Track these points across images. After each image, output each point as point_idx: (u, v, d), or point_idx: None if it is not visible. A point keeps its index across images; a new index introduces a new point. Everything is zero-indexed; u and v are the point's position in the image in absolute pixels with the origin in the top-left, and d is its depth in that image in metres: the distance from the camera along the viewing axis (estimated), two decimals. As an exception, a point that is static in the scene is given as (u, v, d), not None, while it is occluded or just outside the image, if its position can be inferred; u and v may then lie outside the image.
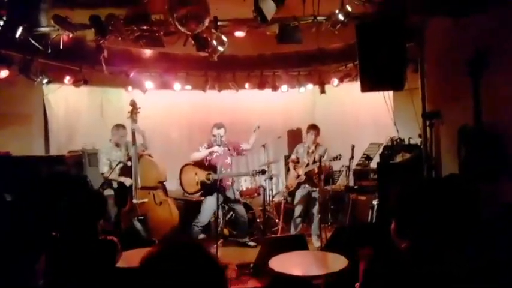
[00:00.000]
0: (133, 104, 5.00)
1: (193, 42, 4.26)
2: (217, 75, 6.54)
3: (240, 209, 5.37)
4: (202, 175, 5.27)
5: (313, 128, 5.42)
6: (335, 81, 6.47)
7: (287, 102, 7.42)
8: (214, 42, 4.25)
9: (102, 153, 5.03)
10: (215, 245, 4.55)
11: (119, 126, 5.05)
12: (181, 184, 5.51)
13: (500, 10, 3.27)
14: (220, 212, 5.44)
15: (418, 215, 1.45)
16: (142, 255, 1.03)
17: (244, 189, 6.12)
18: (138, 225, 4.77)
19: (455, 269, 1.34)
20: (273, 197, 6.47)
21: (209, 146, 5.23)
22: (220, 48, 4.31)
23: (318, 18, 4.03)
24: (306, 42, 4.32)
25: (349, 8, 3.85)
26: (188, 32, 3.86)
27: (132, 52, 5.85)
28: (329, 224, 5.84)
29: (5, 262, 1.38)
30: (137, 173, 4.83)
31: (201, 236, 5.37)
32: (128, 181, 4.84)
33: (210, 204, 5.14)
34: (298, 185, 5.42)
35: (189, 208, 5.77)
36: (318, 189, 5.16)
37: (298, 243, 4.01)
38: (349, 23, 3.96)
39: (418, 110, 4.65)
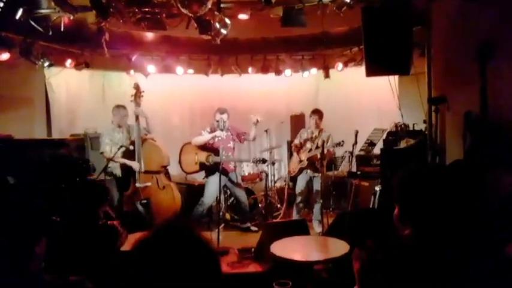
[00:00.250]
0: (136, 87, 4.97)
1: (195, 24, 4.19)
2: (220, 59, 6.47)
3: (242, 194, 5.37)
4: (202, 156, 5.27)
5: (315, 112, 5.37)
6: (339, 65, 6.39)
7: (290, 87, 7.36)
8: (217, 25, 4.19)
9: (104, 134, 5.01)
10: (217, 229, 4.58)
11: (120, 107, 5.02)
12: (180, 162, 5.52)
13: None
14: (222, 197, 5.46)
15: (421, 202, 1.43)
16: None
17: (246, 174, 6.13)
18: (141, 208, 4.79)
19: (458, 257, 1.33)
20: (275, 182, 6.47)
21: (212, 131, 5.21)
22: (223, 31, 4.24)
23: (323, 0, 3.95)
24: (310, 26, 4.25)
25: (355, -10, 3.77)
26: (190, 14, 3.80)
27: (133, 35, 5.79)
28: (331, 209, 5.84)
29: (5, 244, 1.38)
30: (140, 156, 4.83)
31: (204, 219, 5.40)
32: (135, 164, 4.83)
33: (214, 184, 5.10)
34: (300, 170, 5.41)
35: (192, 192, 5.80)
36: (319, 174, 5.15)
37: (300, 228, 4.03)
38: (355, 5, 3.88)
39: (424, 95, 4.58)
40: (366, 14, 3.87)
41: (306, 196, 5.45)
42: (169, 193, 5.08)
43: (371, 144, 5.71)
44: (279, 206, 6.13)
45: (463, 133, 3.59)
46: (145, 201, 4.82)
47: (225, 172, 5.03)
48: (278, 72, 6.64)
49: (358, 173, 5.40)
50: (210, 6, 3.73)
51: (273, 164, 6.23)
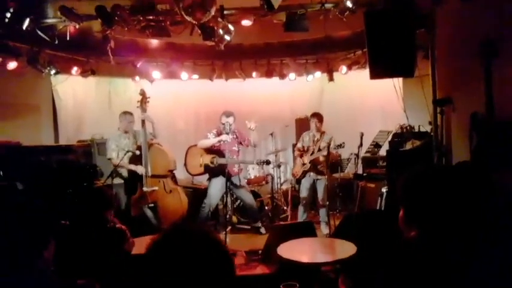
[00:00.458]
0: (142, 93, 5.03)
1: (199, 31, 4.23)
2: (224, 64, 6.51)
3: (246, 195, 5.38)
4: (207, 158, 5.30)
5: (314, 115, 5.41)
6: (343, 68, 6.40)
7: (294, 90, 7.38)
8: (221, 31, 4.23)
9: (110, 140, 5.07)
10: (224, 232, 4.60)
11: (126, 113, 5.09)
12: (185, 164, 5.57)
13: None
14: (228, 199, 5.48)
15: (427, 204, 1.42)
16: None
17: (253, 177, 6.15)
18: (148, 212, 4.83)
19: (464, 259, 1.33)
20: (281, 184, 6.49)
21: (218, 134, 5.24)
22: (227, 38, 4.28)
23: (326, 5, 3.98)
24: (313, 30, 4.27)
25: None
26: (194, 21, 3.84)
27: (138, 42, 5.85)
28: (338, 211, 5.85)
29: (14, 248, 1.40)
30: (147, 161, 4.87)
31: (211, 222, 5.42)
32: (139, 169, 4.88)
33: (215, 187, 5.16)
34: (304, 173, 5.43)
35: (198, 196, 5.82)
36: (323, 177, 5.16)
37: (307, 230, 4.03)
38: (357, 10, 3.90)
39: (428, 97, 4.57)
40: (368, 18, 3.88)
41: (310, 199, 5.46)
42: (176, 197, 5.11)
43: (377, 146, 5.72)
44: (285, 208, 6.14)
45: (469, 134, 3.57)
46: (152, 205, 4.86)
47: (228, 175, 5.06)
48: (282, 76, 6.66)
49: (364, 174, 5.40)
50: (213, 13, 3.77)
51: (279, 166, 6.26)
